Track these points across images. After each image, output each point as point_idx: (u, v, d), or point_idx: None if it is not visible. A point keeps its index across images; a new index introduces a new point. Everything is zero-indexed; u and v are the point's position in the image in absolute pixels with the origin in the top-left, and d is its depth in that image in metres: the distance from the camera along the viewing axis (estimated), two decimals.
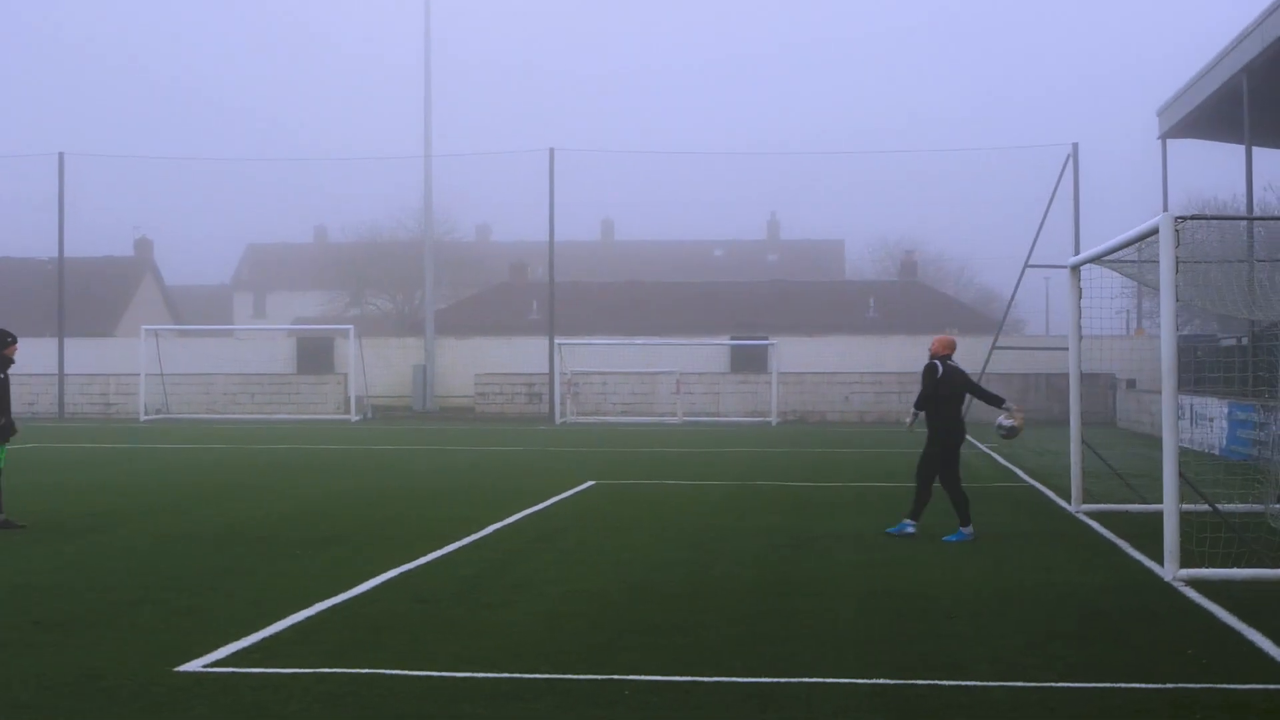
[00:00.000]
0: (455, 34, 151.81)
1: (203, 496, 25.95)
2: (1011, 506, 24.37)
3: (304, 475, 30.98)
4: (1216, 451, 37.65)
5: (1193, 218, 16.66)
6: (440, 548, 18.65)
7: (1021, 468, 32.63)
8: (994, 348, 59.17)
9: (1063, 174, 59.32)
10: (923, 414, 20.10)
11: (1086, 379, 56.79)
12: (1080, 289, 22.77)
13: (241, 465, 33.94)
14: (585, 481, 29.01)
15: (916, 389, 20.05)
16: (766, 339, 63.42)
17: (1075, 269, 22.61)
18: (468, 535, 19.98)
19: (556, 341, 60.93)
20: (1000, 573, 16.73)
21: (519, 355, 64.77)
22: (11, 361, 21.20)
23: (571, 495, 26.17)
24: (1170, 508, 16.11)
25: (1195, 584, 15.67)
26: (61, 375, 64.03)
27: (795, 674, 11.38)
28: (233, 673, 11.42)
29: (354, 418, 59.49)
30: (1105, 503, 23.45)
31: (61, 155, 64.30)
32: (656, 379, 61.62)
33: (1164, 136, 51.14)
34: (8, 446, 20.99)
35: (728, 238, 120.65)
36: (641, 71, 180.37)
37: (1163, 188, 51.28)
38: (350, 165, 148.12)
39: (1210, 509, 19.69)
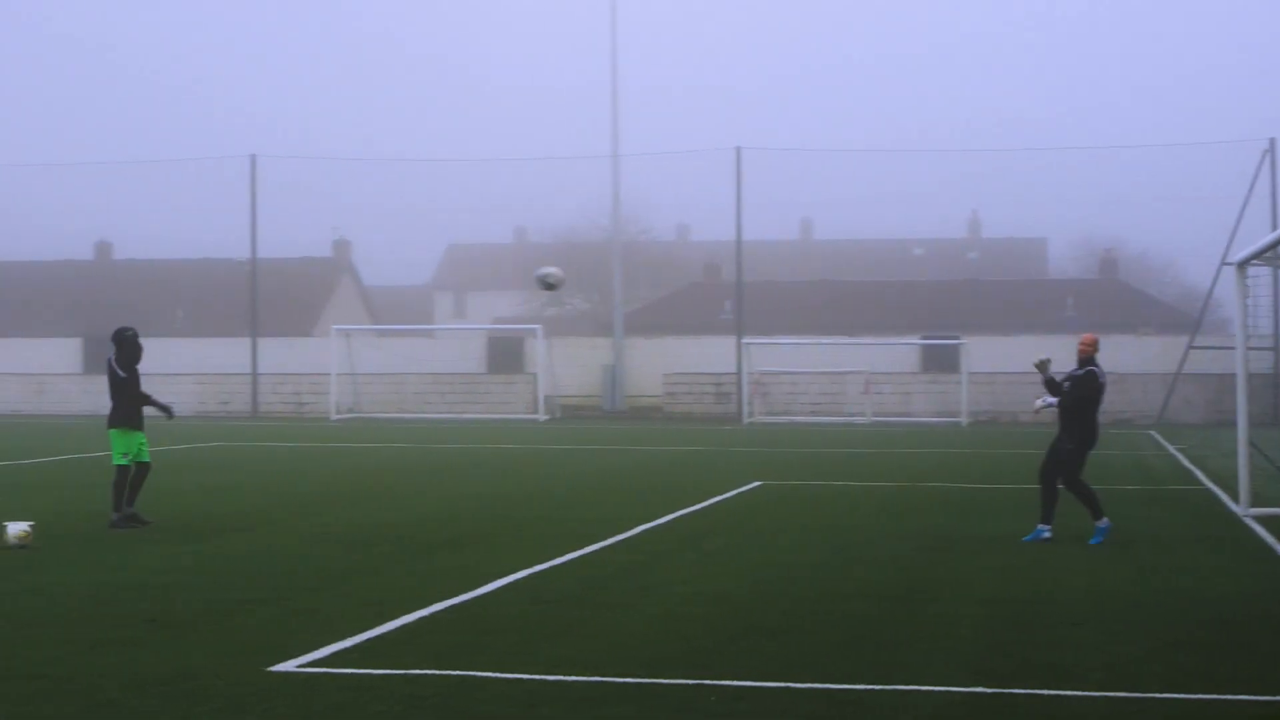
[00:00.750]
0: (642, 33, 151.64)
1: (359, 495, 26.06)
2: (1176, 510, 23.76)
3: (471, 475, 31.05)
4: None
5: None
6: (580, 548, 18.46)
7: (1204, 469, 31.77)
8: (1190, 347, 58.15)
9: (1259, 170, 58.10)
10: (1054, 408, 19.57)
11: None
12: (1247, 287, 22.02)
13: (412, 465, 34.10)
14: (751, 482, 28.70)
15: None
16: (957, 338, 62.56)
17: (1241, 266, 21.90)
18: (613, 536, 19.78)
19: (744, 341, 60.63)
20: (1141, 578, 16.22)
21: (708, 355, 64.50)
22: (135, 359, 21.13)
23: (732, 496, 25.91)
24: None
25: None
26: (255, 374, 64.95)
27: (894, 681, 11.01)
28: (324, 673, 11.29)
29: (542, 417, 59.63)
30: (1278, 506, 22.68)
31: (254, 157, 65.28)
32: (845, 379, 61.08)
33: None
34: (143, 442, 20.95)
35: (928, 236, 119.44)
36: (836, 67, 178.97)
37: None
38: (548, 165, 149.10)
39: None
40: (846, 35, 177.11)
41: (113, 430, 20.81)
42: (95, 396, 63.85)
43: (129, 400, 20.83)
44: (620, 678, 11.14)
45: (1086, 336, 19.80)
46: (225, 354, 67.02)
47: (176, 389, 64.06)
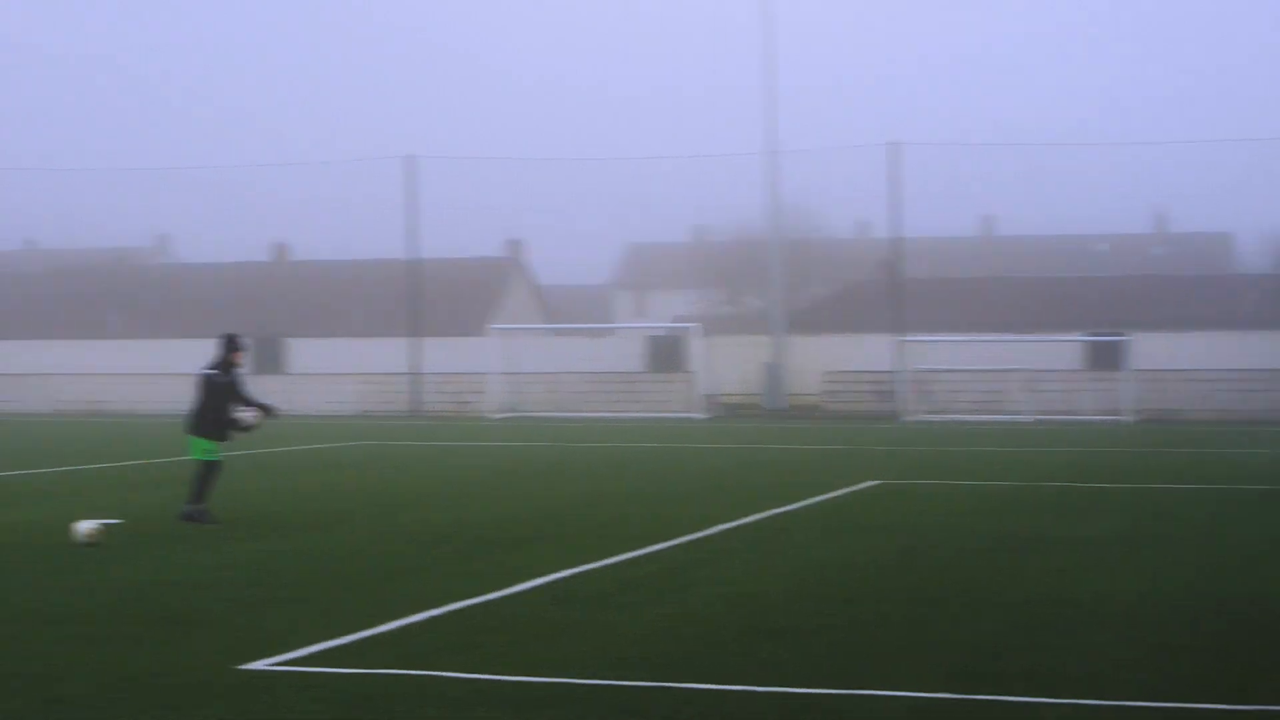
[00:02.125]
0: (802, 28, 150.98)
1: (462, 494, 26.09)
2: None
3: (594, 473, 30.93)
4: None
5: None
6: (646, 547, 18.25)
7: None
8: None
9: None
10: None
11: None
12: None
13: (544, 463, 34.04)
14: (868, 480, 28.23)
15: None
16: (1122, 335, 61.33)
17: None
18: (690, 534, 19.56)
19: (903, 339, 59.98)
20: (1197, 580, 15.67)
21: (871, 353, 63.84)
22: (237, 365, 21.29)
23: (841, 494, 25.50)
24: None
25: None
26: (416, 374, 65.40)
27: (864, 686, 10.69)
28: (286, 671, 11.24)
29: (699, 416, 59.38)
30: None
31: (411, 158, 65.78)
32: (1008, 376, 60.14)
33: None
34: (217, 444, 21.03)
35: (1112, 231, 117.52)
36: (1010, 56, 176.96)
37: None
38: (723, 162, 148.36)
39: None
40: (1029, 21, 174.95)
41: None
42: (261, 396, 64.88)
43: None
44: (582, 679, 10.91)
45: None
46: (393, 354, 67.58)
47: (340, 389, 64.88)
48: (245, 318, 77.90)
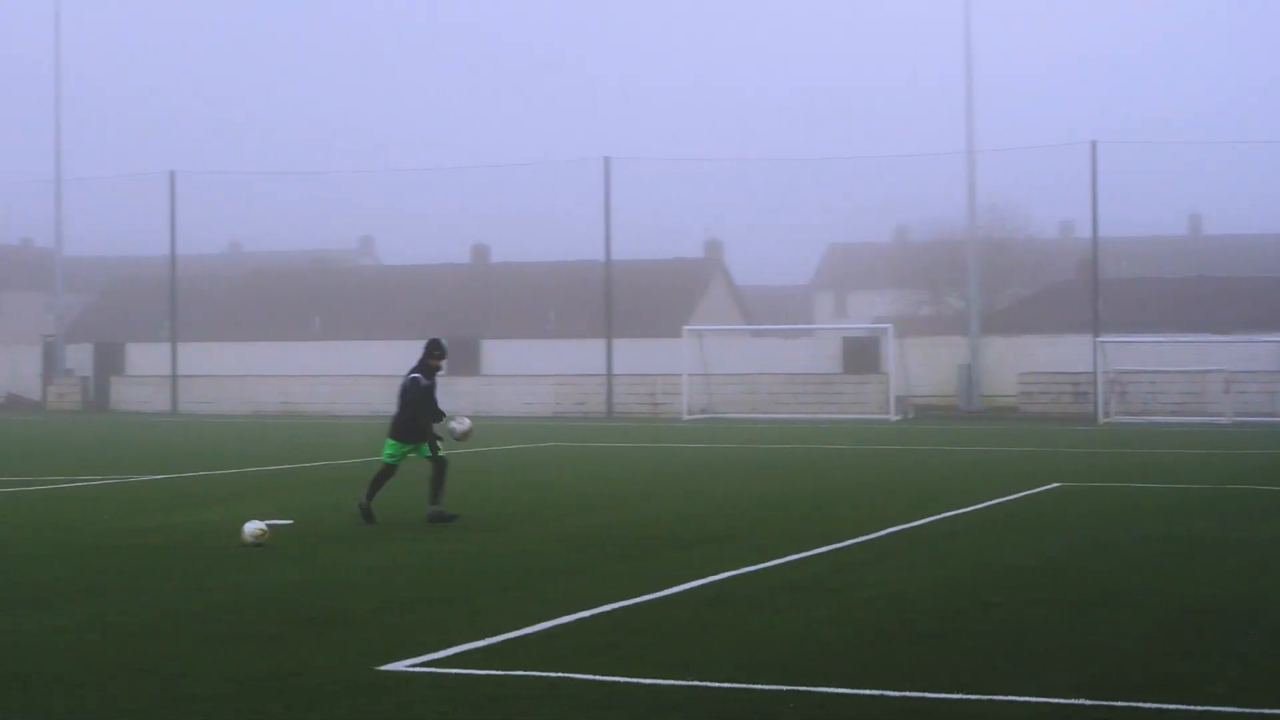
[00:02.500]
0: (1002, 25, 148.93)
1: (638, 496, 26.21)
2: None
3: (770, 475, 30.90)
4: None
5: None
6: (814, 549, 18.25)
7: None
8: None
9: None
10: None
11: None
12: None
13: (729, 464, 34.08)
14: (1050, 483, 27.93)
15: None
16: None
17: None
18: (860, 536, 19.54)
19: (1100, 340, 59.17)
20: None
21: (1068, 354, 62.96)
22: (438, 369, 21.51)
23: (1018, 497, 25.27)
24: None
25: None
26: (610, 375, 65.68)
27: (989, 691, 10.66)
28: (425, 673, 11.38)
29: (893, 417, 59.06)
30: None
31: (607, 160, 66.10)
32: (1206, 377, 59.05)
33: None
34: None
35: None
36: (1210, 54, 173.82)
37: None
38: (923, 162, 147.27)
39: None
40: (1232, 13, 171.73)
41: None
42: (454, 398, 65.62)
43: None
44: (713, 682, 10.94)
45: None
46: (588, 355, 67.95)
47: (533, 390, 65.37)
48: (443, 319, 79.11)
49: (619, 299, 68.75)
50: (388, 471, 21.27)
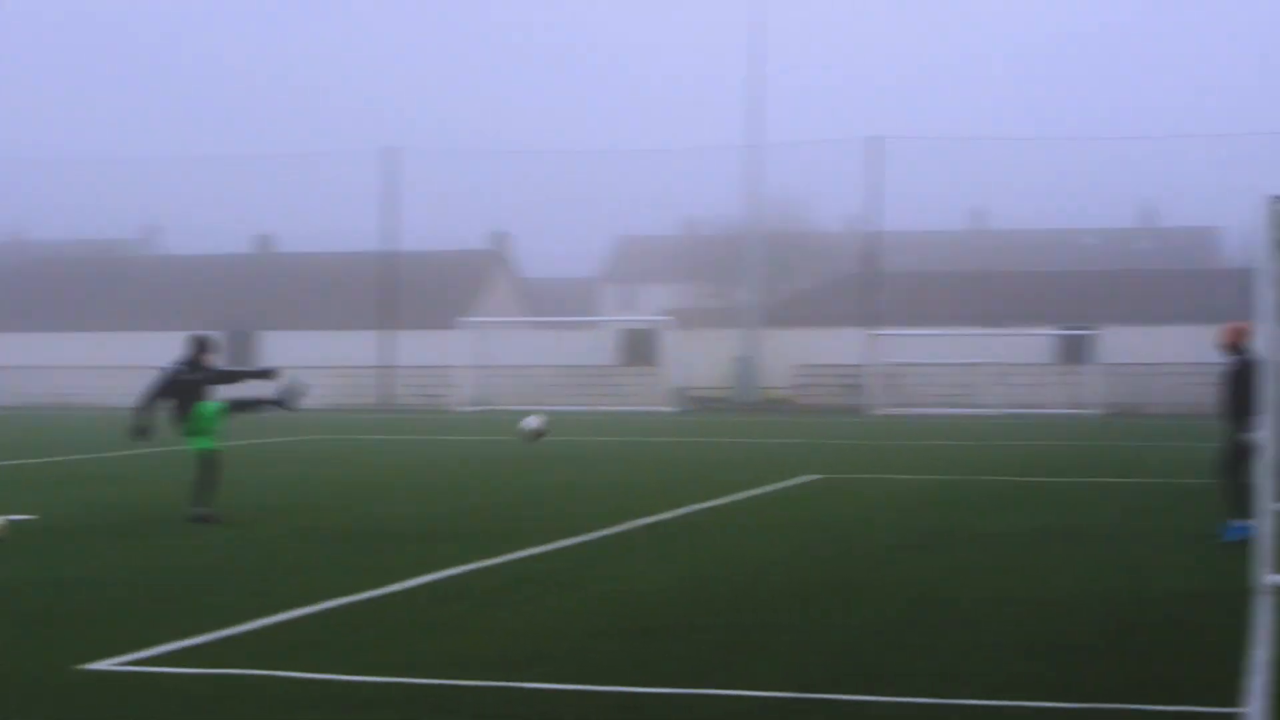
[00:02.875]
0: (790, 21, 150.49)
1: (392, 489, 26.10)
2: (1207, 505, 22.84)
3: (532, 468, 30.82)
4: None
5: None
6: (552, 542, 18.14)
7: None
8: None
9: None
10: None
11: None
12: None
13: (490, 457, 33.95)
14: (808, 475, 28.15)
15: None
16: (1091, 329, 61.22)
17: None
18: (600, 529, 19.47)
19: (872, 333, 59.91)
20: (1087, 576, 15.54)
21: (845, 346, 63.73)
22: (204, 363, 20.78)
23: (769, 490, 25.38)
24: (1266, 505, 14.75)
25: None
26: (388, 367, 65.30)
27: (705, 685, 10.56)
28: (129, 671, 11.01)
29: (667, 409, 59.30)
30: None
31: (392, 150, 65.79)
32: (976, 370, 60.08)
33: None
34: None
35: (1099, 225, 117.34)
36: (995, 53, 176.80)
37: None
38: (713, 155, 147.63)
39: None
40: (1019, 20, 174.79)
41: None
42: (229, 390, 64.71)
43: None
44: (421, 679, 10.78)
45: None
46: (368, 347, 67.46)
47: (313, 381, 64.60)
48: (223, 310, 77.98)
49: (403, 291, 68.34)
50: (203, 464, 20.60)
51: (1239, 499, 18.21)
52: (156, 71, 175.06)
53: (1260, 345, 18.53)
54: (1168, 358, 60.54)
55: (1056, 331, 63.48)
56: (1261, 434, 15.44)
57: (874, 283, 64.84)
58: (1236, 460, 18.43)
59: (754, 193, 65.48)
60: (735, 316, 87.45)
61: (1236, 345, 18.73)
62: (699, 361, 64.77)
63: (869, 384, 59.36)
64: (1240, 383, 18.41)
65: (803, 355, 64.03)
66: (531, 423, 20.92)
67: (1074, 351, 62.72)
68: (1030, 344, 63.15)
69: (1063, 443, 38.74)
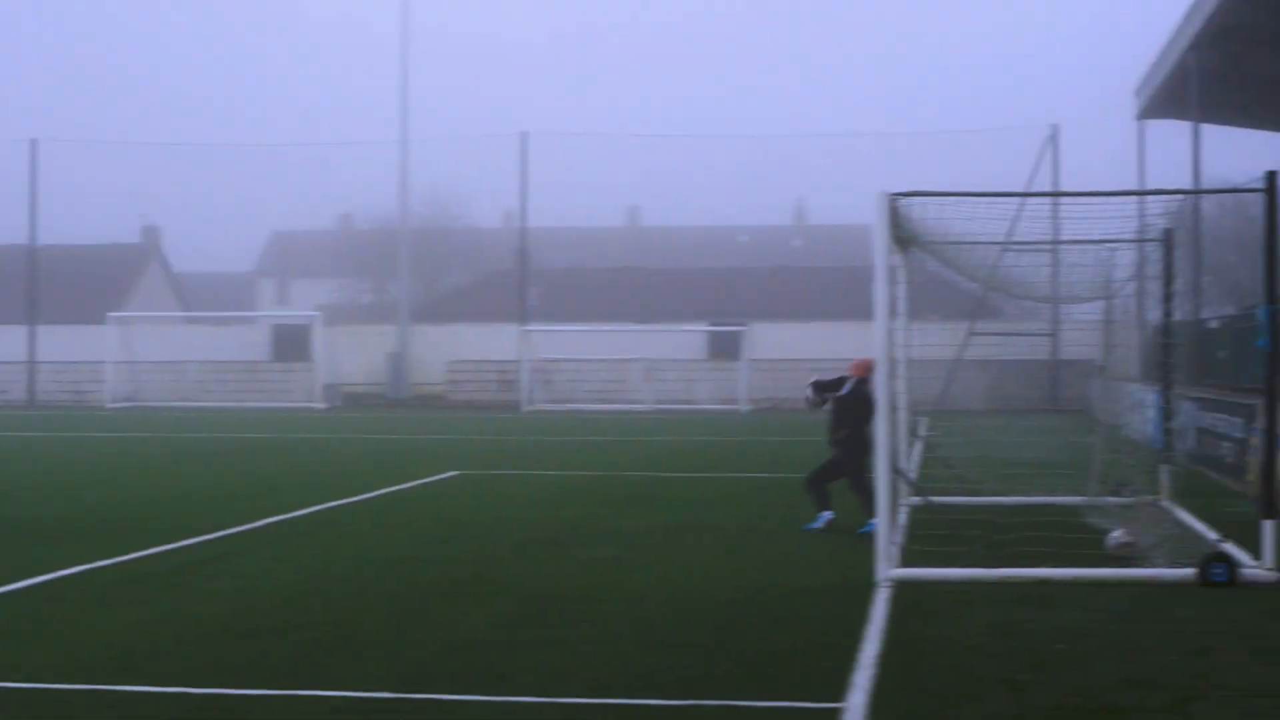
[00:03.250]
0: (436, 16, 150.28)
1: (13, 489, 25.18)
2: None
3: (164, 467, 30.21)
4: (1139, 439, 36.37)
5: (909, 195, 15.49)
6: (175, 541, 17.78)
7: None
8: (971, 333, 57.83)
9: (1041, 156, 58.25)
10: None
11: (1064, 365, 55.69)
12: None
13: (126, 455, 33.16)
14: (449, 471, 28.04)
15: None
16: (741, 325, 62.16)
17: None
18: (226, 528, 19.12)
19: (525, 329, 60.02)
20: (715, 572, 15.68)
21: (499, 342, 63.71)
22: None
23: (407, 487, 25.21)
24: (882, 503, 15.11)
25: (901, 585, 14.55)
26: (31, 363, 63.54)
27: (298, 687, 10.41)
28: None
29: (318, 406, 58.70)
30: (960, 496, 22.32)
31: (34, 142, 63.99)
32: (628, 366, 60.58)
33: (1141, 117, 49.84)
34: None
35: (754, 223, 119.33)
36: (649, 49, 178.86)
37: (1138, 168, 50.00)
38: (370, 150, 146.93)
39: (925, 502, 18.70)
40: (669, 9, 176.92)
41: None
42: None
43: None
44: (21, 684, 10.49)
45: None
46: (11, 342, 65.52)
47: None
48: None
49: (49, 285, 66.53)
50: None
51: (869, 497, 18.71)
52: None
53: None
54: (814, 354, 61.64)
55: (707, 328, 64.20)
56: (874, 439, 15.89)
57: (526, 279, 64.92)
58: (833, 469, 19.18)
59: (404, 188, 64.99)
60: (390, 312, 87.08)
61: (863, 377, 19.33)
62: (353, 358, 64.21)
63: (522, 380, 59.38)
64: (853, 406, 19.05)
65: (457, 351, 63.83)
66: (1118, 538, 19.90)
67: (725, 348, 63.51)
68: (682, 340, 63.81)
69: (711, 438, 39.16)
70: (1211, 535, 17.64)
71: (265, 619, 13.03)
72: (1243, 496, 22.90)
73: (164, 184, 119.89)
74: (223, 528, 19.10)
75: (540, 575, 15.56)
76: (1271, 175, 15.11)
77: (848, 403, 19.27)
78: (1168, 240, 21.39)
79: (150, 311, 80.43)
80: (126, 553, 16.74)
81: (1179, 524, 19.22)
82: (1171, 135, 51.26)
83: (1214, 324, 37.43)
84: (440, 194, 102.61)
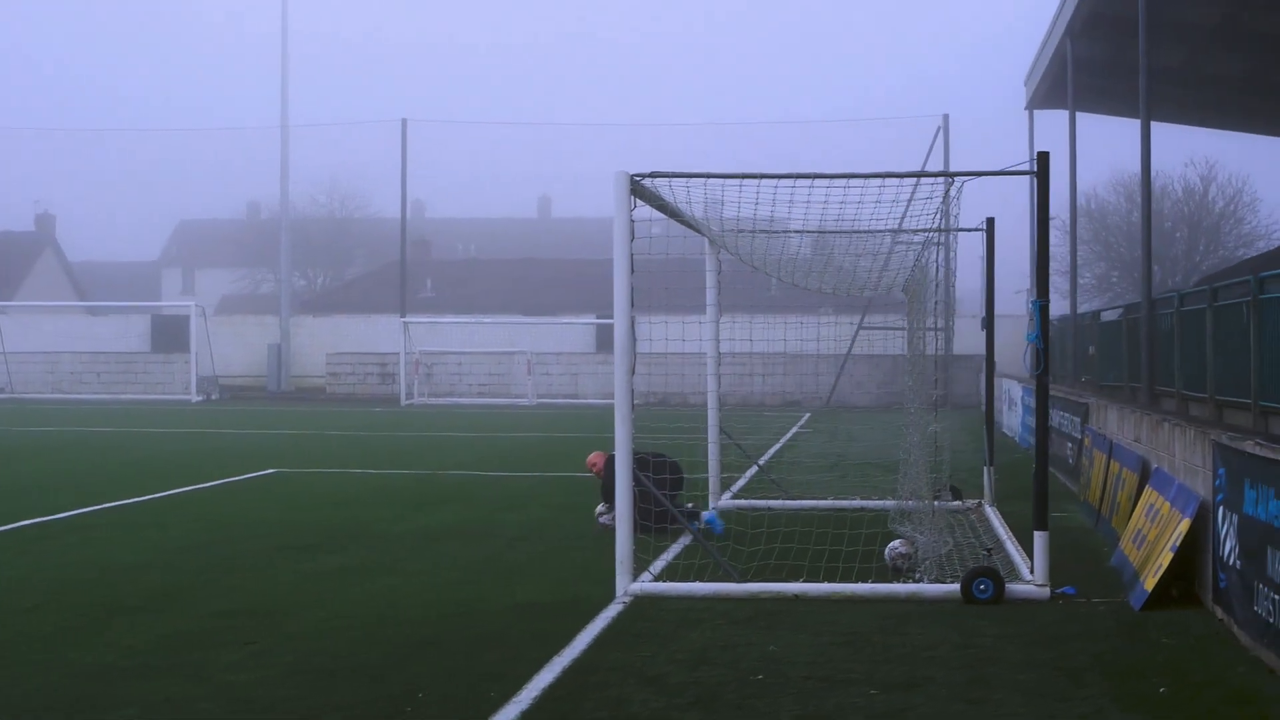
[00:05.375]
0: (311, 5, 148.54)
1: None
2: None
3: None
4: (1016, 438, 35.58)
5: (651, 175, 14.34)
6: None
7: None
8: (860, 328, 56.98)
9: (933, 146, 57.37)
10: None
11: (957, 360, 54.78)
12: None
13: None
14: (268, 468, 26.80)
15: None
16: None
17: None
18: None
19: (405, 320, 58.74)
20: (462, 584, 14.54)
21: (382, 334, 62.47)
22: None
23: (214, 485, 24.03)
24: (623, 513, 13.95)
25: (639, 601, 13.39)
26: None
27: None
28: None
29: (191, 398, 57.28)
30: (769, 498, 21.29)
31: None
32: (513, 359, 59.36)
33: (1030, 107, 48.92)
34: None
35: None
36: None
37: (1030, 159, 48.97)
38: (270, 135, 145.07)
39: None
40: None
41: None
42: None
43: None
44: None
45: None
46: None
47: None
48: None
49: None
50: None
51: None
52: None
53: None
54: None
55: (595, 321, 63.03)
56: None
57: (407, 270, 63.76)
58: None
59: (284, 175, 63.53)
60: (310, 302, 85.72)
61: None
62: (235, 349, 62.86)
63: (401, 373, 58.06)
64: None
65: (340, 344, 62.57)
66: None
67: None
68: (570, 333, 62.68)
69: (573, 435, 37.90)
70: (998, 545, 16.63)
71: None
72: (1076, 499, 22.02)
73: (61, 171, 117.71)
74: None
75: (249, 588, 14.27)
76: (1044, 156, 14.10)
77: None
78: (989, 230, 20.45)
79: (39, 301, 78.82)
80: None
81: (987, 532, 18.19)
82: (1060, 125, 50.45)
83: (1087, 320, 36.54)
84: (340, 185, 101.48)
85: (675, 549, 16.49)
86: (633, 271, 14.09)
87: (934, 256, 19.66)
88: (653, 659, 11.12)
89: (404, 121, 60.87)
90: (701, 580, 14.06)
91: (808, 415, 48.63)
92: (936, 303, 19.43)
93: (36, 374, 61.21)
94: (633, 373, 14.11)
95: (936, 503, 17.94)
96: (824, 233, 17.14)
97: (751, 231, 18.01)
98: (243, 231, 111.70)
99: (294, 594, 13.92)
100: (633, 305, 14.09)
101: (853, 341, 56.77)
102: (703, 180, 14.73)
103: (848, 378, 57.44)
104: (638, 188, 14.24)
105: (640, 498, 16.28)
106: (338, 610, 13.06)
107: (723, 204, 15.14)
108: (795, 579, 14.09)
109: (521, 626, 12.40)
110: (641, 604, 13.29)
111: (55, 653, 11.32)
